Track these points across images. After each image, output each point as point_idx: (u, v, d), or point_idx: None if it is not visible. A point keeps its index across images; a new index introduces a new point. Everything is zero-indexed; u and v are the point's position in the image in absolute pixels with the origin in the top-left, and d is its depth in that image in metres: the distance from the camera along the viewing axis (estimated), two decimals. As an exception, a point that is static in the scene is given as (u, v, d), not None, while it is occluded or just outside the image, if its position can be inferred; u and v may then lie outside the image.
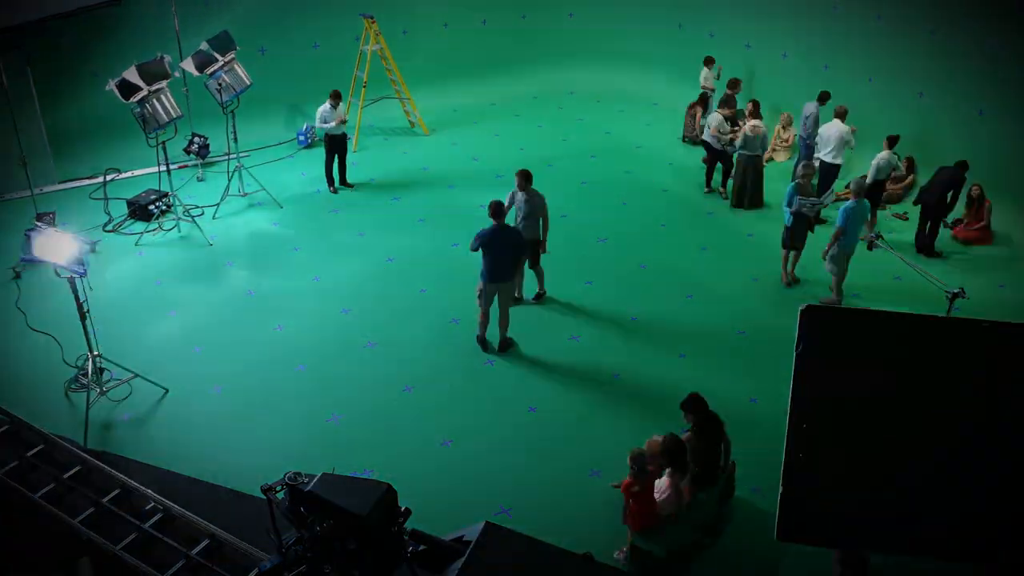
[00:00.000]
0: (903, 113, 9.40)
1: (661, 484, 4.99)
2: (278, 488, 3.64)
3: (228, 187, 8.98)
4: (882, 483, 3.72)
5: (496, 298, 6.62)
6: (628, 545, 4.90)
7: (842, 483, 3.75)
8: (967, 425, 3.61)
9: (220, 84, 8.36)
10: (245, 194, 9.07)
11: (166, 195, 8.56)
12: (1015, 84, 8.39)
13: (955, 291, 4.99)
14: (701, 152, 9.90)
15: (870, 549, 3.92)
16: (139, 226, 8.45)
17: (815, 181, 8.27)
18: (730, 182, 9.18)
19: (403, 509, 3.73)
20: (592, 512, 5.38)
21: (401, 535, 3.76)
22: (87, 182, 9.23)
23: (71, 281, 5.68)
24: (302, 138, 10.28)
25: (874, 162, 8.41)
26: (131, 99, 7.78)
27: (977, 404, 3.59)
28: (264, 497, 3.67)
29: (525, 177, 7.08)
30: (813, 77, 10.16)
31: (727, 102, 9.85)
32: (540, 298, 7.39)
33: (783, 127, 10.17)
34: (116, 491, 5.39)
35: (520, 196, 7.08)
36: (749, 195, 8.96)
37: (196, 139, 9.65)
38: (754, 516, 5.17)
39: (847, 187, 7.85)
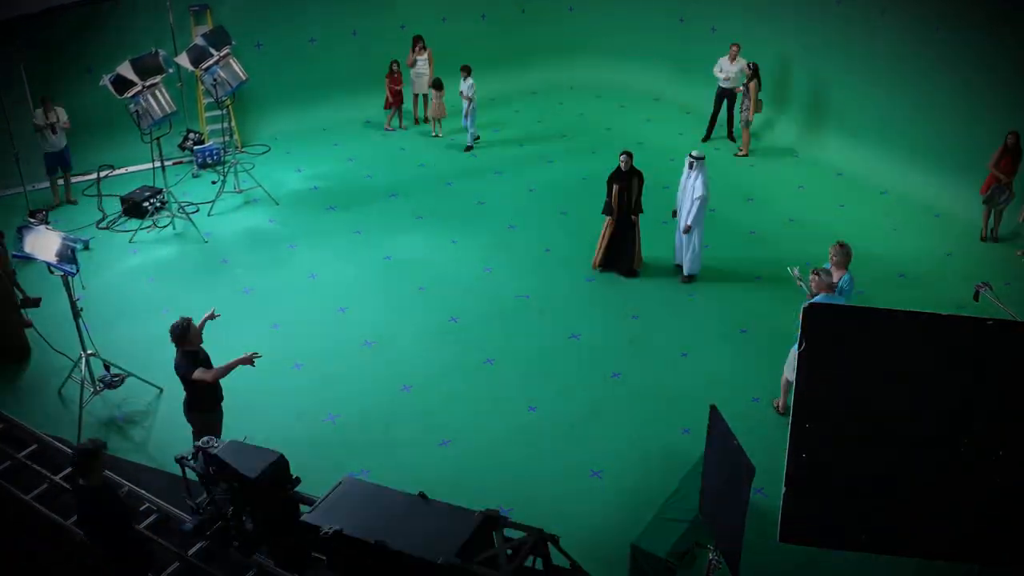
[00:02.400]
0: (905, 111, 9.33)
1: None
2: (190, 457, 4.16)
3: (224, 183, 8.91)
4: (886, 483, 3.66)
5: None
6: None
7: (846, 483, 3.69)
8: (972, 424, 3.55)
9: (216, 79, 8.29)
10: (241, 191, 9.00)
11: (160, 192, 8.50)
12: (1018, 83, 8.33)
13: (982, 283, 4.91)
14: (701, 145, 9.81)
15: (874, 550, 3.86)
16: (133, 223, 8.38)
17: None
18: None
19: (294, 477, 4.19)
20: (592, 512, 5.33)
21: (292, 500, 4.16)
22: (81, 179, 9.16)
23: (64, 280, 5.62)
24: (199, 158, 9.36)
25: None
26: (125, 95, 7.71)
27: (982, 403, 3.53)
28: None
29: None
30: (814, 75, 10.10)
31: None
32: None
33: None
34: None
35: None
36: None
37: (191, 135, 9.58)
38: (756, 517, 5.11)
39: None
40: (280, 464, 4.15)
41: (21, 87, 8.48)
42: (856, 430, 3.63)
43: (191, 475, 4.44)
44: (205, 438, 4.21)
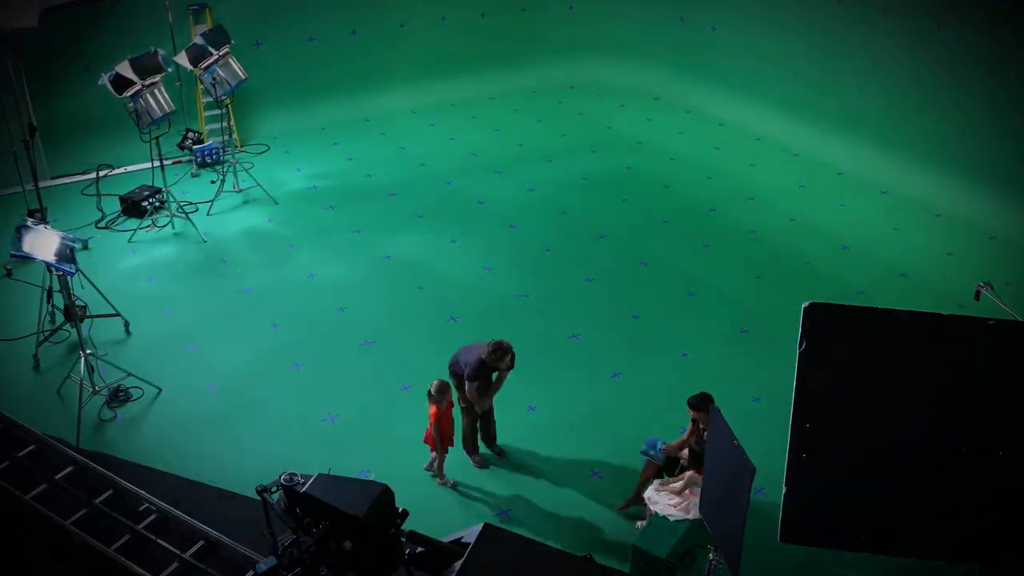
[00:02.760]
0: (906, 111, 9.32)
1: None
2: (273, 489, 3.61)
3: (223, 183, 8.91)
4: (886, 483, 3.65)
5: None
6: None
7: (846, 483, 3.68)
8: (972, 424, 3.54)
9: (215, 78, 8.28)
10: (240, 190, 8.99)
11: (159, 191, 8.48)
12: (1018, 83, 8.31)
13: (983, 282, 4.89)
14: (702, 144, 9.81)
15: (875, 551, 3.85)
16: (132, 223, 8.37)
17: None
18: None
19: (400, 510, 3.69)
20: (592, 512, 5.32)
21: (398, 536, 3.72)
22: (79, 178, 9.15)
23: (61, 280, 5.61)
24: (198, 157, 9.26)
25: None
26: (124, 94, 7.70)
27: (982, 403, 3.52)
28: (259, 498, 3.63)
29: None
30: (814, 73, 10.08)
31: None
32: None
33: None
34: (109, 492, 5.34)
35: None
36: None
37: (190, 134, 9.57)
38: (756, 517, 5.10)
39: None
40: (386, 497, 3.62)
41: (20, 85, 8.47)
42: (856, 430, 3.62)
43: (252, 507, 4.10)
44: (287, 474, 3.61)
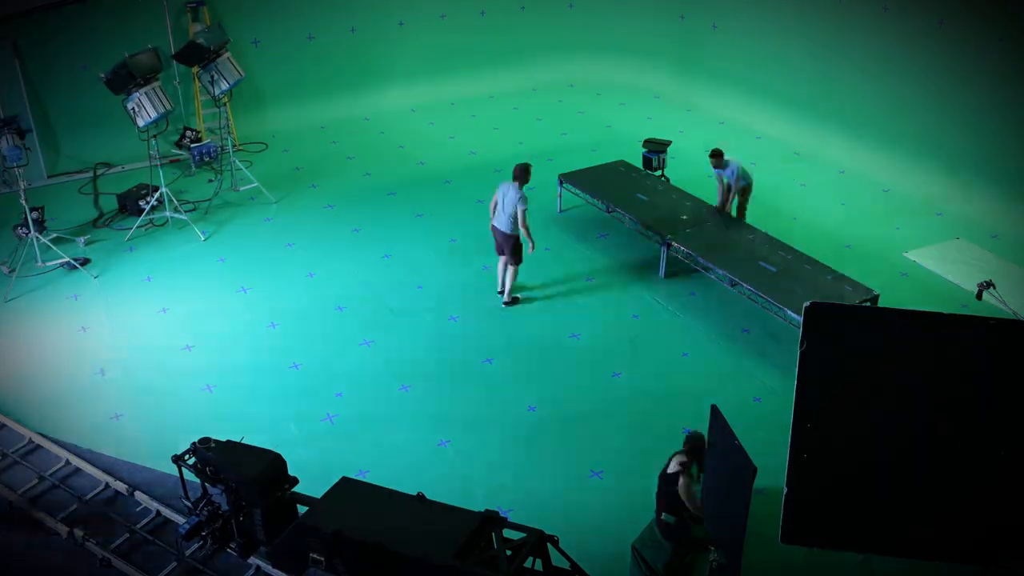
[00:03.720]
0: (907, 108, 9.29)
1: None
2: (187, 457, 4.20)
3: (220, 182, 8.88)
4: (888, 484, 3.64)
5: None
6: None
7: (847, 484, 3.67)
8: (974, 424, 3.53)
9: (213, 77, 8.26)
10: (238, 189, 8.97)
11: (157, 190, 8.46)
12: (1020, 80, 8.29)
13: (985, 281, 4.88)
14: (702, 143, 9.75)
15: (876, 551, 3.84)
16: (130, 221, 8.35)
17: None
18: None
19: (291, 478, 4.24)
20: (592, 512, 5.31)
21: (290, 501, 4.22)
22: (77, 176, 9.13)
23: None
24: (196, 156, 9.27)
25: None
26: (122, 92, 7.68)
27: (983, 403, 3.51)
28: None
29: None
30: (816, 71, 10.06)
31: None
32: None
33: None
34: (107, 491, 5.33)
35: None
36: None
37: (188, 133, 9.55)
38: (757, 518, 5.09)
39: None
40: (277, 464, 4.19)
41: (16, 83, 8.45)
42: (857, 430, 3.60)
43: (188, 475, 4.44)
44: (201, 438, 4.22)
